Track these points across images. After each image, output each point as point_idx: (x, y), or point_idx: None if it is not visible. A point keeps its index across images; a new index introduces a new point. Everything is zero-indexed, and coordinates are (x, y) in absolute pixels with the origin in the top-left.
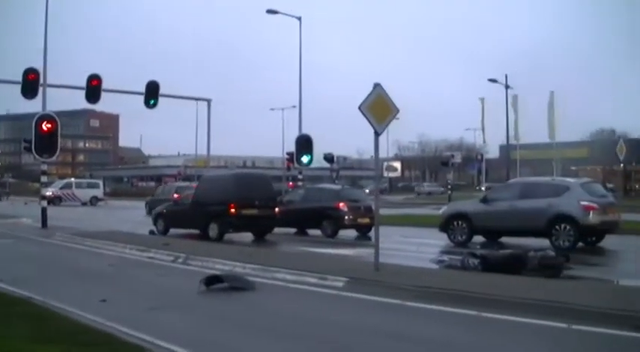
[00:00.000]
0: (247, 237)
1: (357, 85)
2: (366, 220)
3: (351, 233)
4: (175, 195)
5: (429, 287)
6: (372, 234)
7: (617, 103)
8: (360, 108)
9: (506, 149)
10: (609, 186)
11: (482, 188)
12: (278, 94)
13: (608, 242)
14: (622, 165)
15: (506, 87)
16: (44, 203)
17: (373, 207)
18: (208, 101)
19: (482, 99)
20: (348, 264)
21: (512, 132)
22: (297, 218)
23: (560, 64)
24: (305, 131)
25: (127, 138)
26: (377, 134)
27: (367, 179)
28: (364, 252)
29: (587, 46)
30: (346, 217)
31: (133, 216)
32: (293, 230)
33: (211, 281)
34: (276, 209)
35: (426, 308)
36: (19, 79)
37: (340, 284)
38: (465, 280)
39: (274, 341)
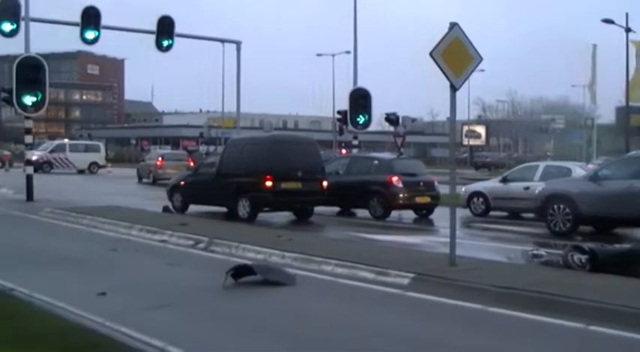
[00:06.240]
0: (286, 217)
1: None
2: (426, 199)
3: (406, 214)
4: (190, 163)
5: (521, 290)
6: (434, 216)
7: None
8: (431, 54)
9: (624, 112)
10: None
11: (593, 163)
12: (328, 39)
13: None
14: None
15: (627, 30)
16: (30, 169)
17: (435, 183)
18: (238, 44)
19: (594, 46)
20: (413, 256)
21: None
22: (339, 194)
23: None
24: (362, 84)
25: (134, 90)
26: (453, 88)
27: (442, 147)
28: (428, 241)
29: None
30: (400, 195)
31: (142, 187)
32: (334, 209)
33: (240, 272)
34: (325, 183)
35: (514, 317)
36: None
37: (405, 281)
38: (567, 282)
39: None
